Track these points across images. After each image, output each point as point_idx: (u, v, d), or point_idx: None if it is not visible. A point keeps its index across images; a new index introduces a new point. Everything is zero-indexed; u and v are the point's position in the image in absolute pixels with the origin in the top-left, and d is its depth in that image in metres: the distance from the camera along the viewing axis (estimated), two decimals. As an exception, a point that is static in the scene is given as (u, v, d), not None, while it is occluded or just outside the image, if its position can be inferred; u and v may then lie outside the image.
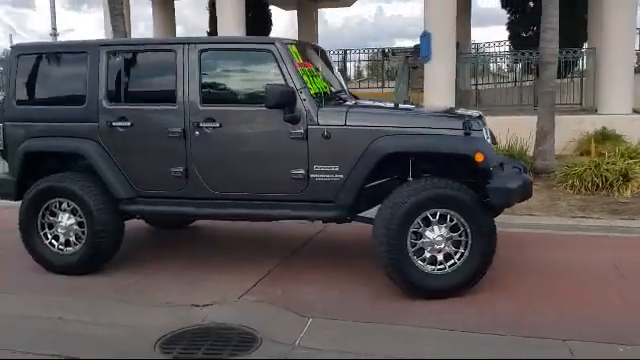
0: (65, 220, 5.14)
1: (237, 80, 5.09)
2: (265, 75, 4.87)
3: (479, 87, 15.20)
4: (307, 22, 18.08)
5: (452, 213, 4.40)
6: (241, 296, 4.67)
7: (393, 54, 16.25)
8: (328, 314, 4.27)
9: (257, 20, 15.60)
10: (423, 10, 10.90)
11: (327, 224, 6.45)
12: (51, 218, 5.19)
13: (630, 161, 8.05)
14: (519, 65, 15.25)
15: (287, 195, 4.83)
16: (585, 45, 13.88)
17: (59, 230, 5.17)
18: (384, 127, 4.62)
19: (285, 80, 4.70)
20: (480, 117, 4.86)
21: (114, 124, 5.02)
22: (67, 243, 5.18)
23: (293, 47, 4.92)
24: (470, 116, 4.73)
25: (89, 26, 55.46)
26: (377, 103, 5.66)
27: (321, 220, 4.99)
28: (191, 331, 4.05)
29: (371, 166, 4.53)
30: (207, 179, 4.92)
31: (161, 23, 15.18)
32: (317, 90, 4.86)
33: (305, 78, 4.78)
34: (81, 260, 5.12)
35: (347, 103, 5.08)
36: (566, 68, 13.90)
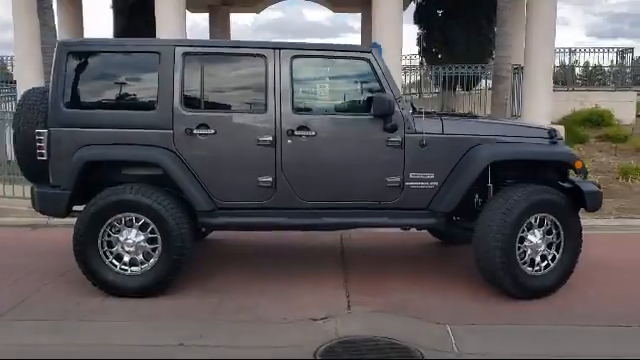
0: (133, 237, 4.64)
1: (330, 88, 4.96)
2: (360, 83, 4.84)
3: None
4: (220, 26, 17.66)
5: (550, 217, 4.70)
6: (349, 307, 4.57)
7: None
8: (459, 320, 4.31)
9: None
10: (372, 21, 11.23)
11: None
12: (113, 235, 4.66)
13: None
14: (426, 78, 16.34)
15: (380, 203, 4.82)
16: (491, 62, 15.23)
17: (126, 248, 4.65)
18: (481, 136, 4.81)
19: (383, 89, 4.70)
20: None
21: (195, 131, 4.65)
22: (132, 262, 4.69)
23: (379, 55, 4.93)
24: (549, 127, 5.08)
25: None
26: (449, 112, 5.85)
27: (413, 228, 5.03)
28: (338, 345, 3.90)
29: (477, 173, 4.67)
30: (298, 188, 4.74)
31: (67, 21, 13.88)
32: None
33: (393, 87, 4.82)
34: (156, 279, 4.65)
35: (430, 111, 5.19)
36: (471, 82, 15.16)
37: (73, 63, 4.69)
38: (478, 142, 4.78)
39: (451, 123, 4.87)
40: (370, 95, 4.75)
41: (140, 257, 4.67)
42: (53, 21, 10.34)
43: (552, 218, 4.71)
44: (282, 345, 3.93)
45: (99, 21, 21.66)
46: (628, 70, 16.62)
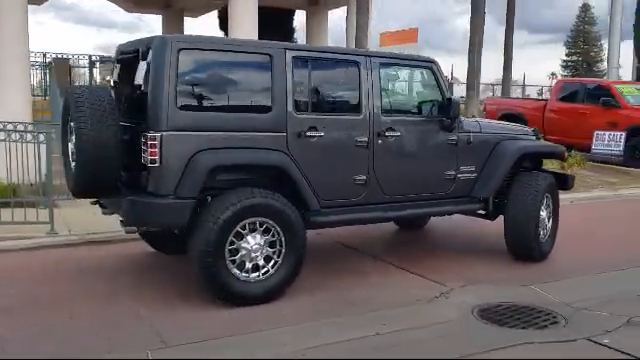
0: (259, 241, 4.54)
1: (405, 92, 5.51)
2: (425, 88, 5.54)
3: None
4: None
5: (549, 196, 6.10)
6: (445, 285, 5.22)
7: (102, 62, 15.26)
8: (534, 281, 5.35)
9: None
10: (229, 28, 11.36)
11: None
12: (237, 242, 4.48)
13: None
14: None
15: (439, 194, 5.61)
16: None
17: (252, 254, 4.52)
18: (503, 134, 5.98)
19: (444, 93, 5.50)
20: None
21: (307, 134, 4.77)
22: (253, 269, 4.58)
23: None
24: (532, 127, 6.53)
25: None
26: None
27: (464, 213, 5.92)
28: (482, 312, 4.61)
29: (511, 164, 5.82)
30: (384, 184, 5.22)
31: None
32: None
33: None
34: (280, 282, 4.65)
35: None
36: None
37: (185, 62, 4.35)
38: (501, 139, 5.93)
39: (485, 124, 5.94)
40: (435, 98, 5.50)
41: (261, 262, 4.59)
42: None
43: (550, 197, 6.13)
44: (444, 320, 4.49)
45: None
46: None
